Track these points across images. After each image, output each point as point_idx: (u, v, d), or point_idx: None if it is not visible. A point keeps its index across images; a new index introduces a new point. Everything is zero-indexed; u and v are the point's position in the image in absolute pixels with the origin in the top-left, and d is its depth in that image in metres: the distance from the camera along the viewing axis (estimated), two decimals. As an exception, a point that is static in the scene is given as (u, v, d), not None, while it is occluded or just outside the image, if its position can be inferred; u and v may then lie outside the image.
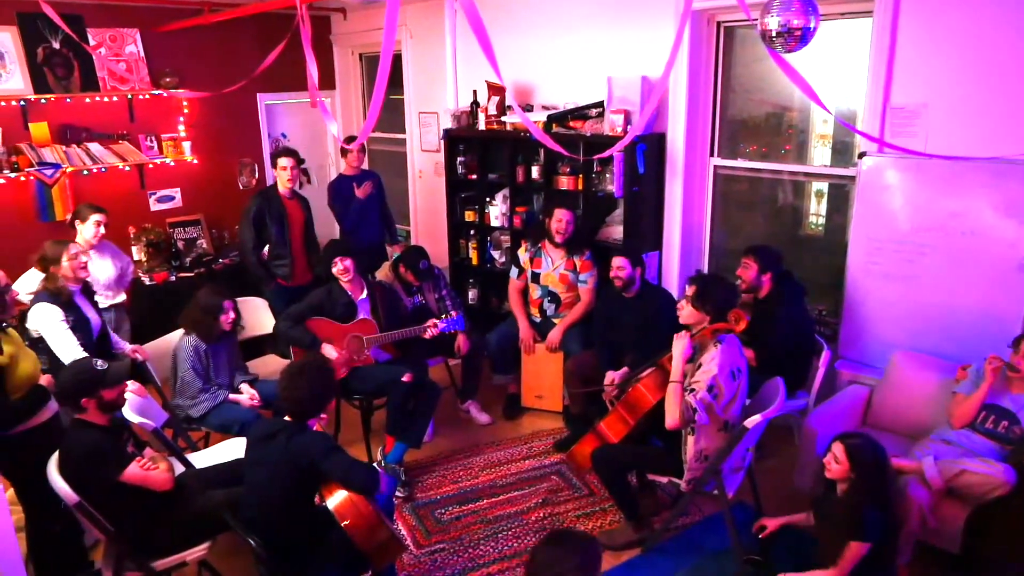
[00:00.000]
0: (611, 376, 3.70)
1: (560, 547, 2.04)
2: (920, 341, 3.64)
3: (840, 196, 4.21)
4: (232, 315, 3.70)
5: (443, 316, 4.06)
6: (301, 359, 3.04)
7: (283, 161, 4.61)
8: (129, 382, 3.21)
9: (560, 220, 4.28)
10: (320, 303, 3.91)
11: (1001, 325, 3.38)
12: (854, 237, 3.84)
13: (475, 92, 5.14)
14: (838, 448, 2.63)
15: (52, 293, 3.30)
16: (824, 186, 4.33)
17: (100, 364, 2.72)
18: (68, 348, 3.24)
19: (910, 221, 3.62)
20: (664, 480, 3.27)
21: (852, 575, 2.55)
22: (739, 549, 3.05)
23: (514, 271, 4.57)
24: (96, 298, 4.07)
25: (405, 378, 3.77)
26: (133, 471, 2.64)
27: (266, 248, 4.73)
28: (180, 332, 3.74)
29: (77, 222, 3.95)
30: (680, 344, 3.04)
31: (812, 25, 2.49)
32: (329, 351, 3.81)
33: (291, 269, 4.68)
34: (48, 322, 3.26)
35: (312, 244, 4.85)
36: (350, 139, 5.06)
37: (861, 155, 3.75)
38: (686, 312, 3.13)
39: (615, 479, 3.29)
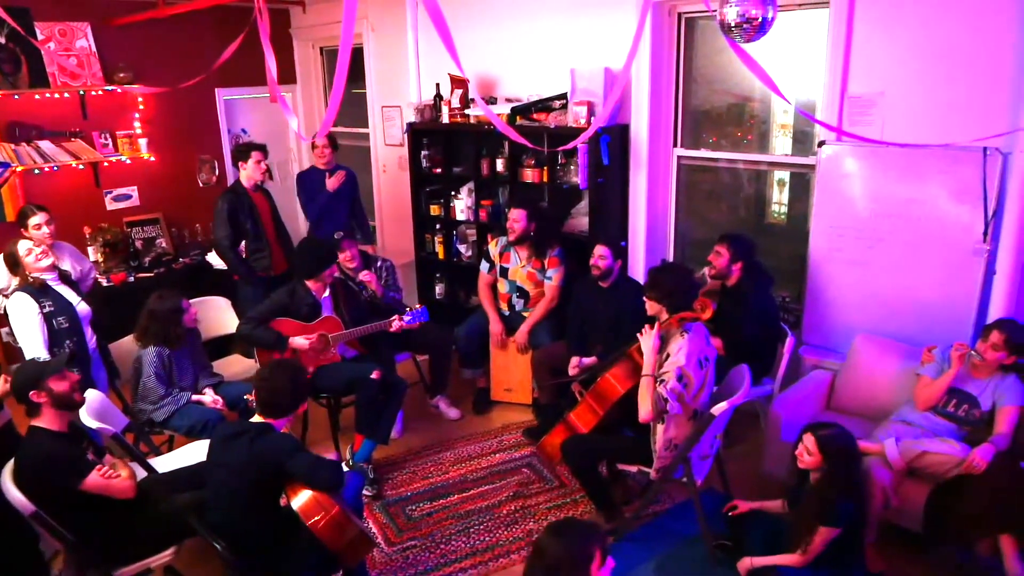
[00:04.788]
0: (576, 360, 3.72)
1: (557, 538, 1.98)
2: (880, 325, 3.71)
3: (802, 185, 4.27)
4: (194, 311, 3.64)
5: (408, 310, 4.03)
6: (279, 359, 2.99)
7: (256, 155, 4.53)
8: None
9: (514, 220, 4.26)
10: (284, 304, 3.83)
11: (957, 308, 3.47)
12: (815, 224, 3.89)
13: (438, 85, 5.09)
14: (809, 440, 2.67)
15: (27, 285, 3.50)
16: (786, 175, 4.39)
17: (40, 358, 2.75)
18: (33, 343, 3.40)
19: (869, 208, 3.69)
20: (634, 469, 3.29)
21: (820, 558, 2.60)
22: (709, 534, 3.10)
23: (484, 265, 4.55)
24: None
25: (374, 375, 3.73)
26: (94, 480, 2.57)
27: (242, 244, 4.65)
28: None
29: (28, 226, 3.88)
30: (648, 340, 3.06)
31: (770, 15, 2.51)
32: (299, 342, 3.77)
33: (270, 260, 4.62)
34: (19, 314, 3.43)
35: (284, 234, 4.81)
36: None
37: (820, 144, 3.80)
38: (647, 303, 3.17)
39: (585, 469, 3.31)
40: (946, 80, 3.38)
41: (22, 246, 3.51)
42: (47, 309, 3.45)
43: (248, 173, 4.53)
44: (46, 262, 3.53)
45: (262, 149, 4.59)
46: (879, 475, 2.96)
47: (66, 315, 3.50)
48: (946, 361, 3.16)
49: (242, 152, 4.57)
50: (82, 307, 3.63)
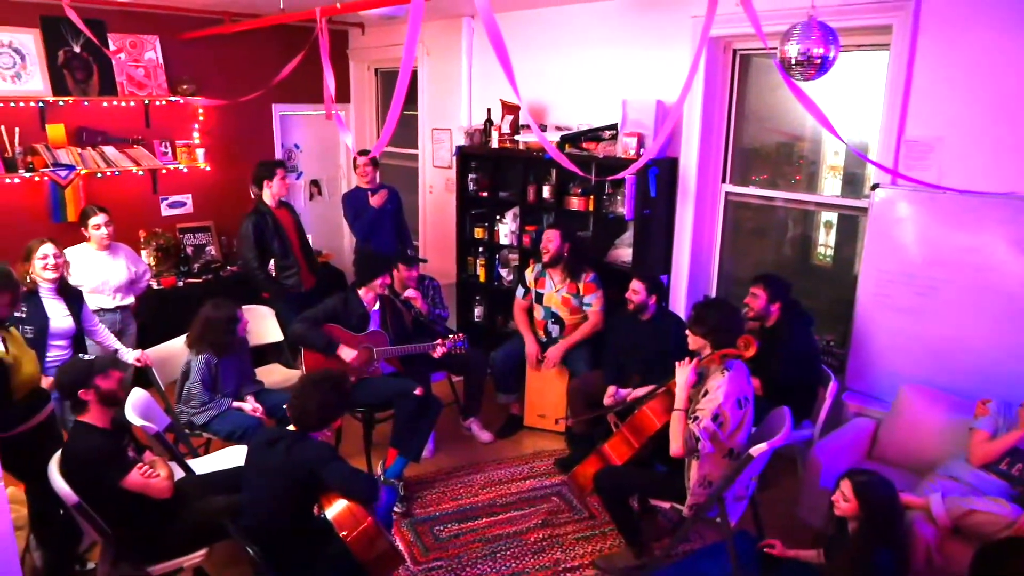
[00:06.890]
0: (612, 389, 3.69)
1: None
2: (929, 375, 3.60)
3: (849, 227, 4.20)
4: (247, 320, 3.72)
5: (449, 336, 4.05)
6: (323, 371, 3.02)
7: (280, 171, 4.54)
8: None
9: (548, 240, 4.29)
10: (335, 311, 3.91)
11: (1014, 363, 3.36)
12: (865, 268, 3.82)
13: (489, 110, 5.17)
14: (846, 486, 2.59)
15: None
16: (833, 217, 4.33)
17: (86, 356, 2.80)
18: None
19: (922, 255, 3.61)
20: (666, 505, 3.24)
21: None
22: (740, 579, 3.01)
23: (520, 290, 4.57)
24: (103, 299, 4.10)
25: (417, 391, 3.76)
26: (134, 478, 2.63)
27: (271, 263, 4.71)
28: (183, 340, 3.71)
29: (88, 225, 4.03)
30: (683, 373, 3.03)
31: (832, 55, 2.51)
32: (347, 353, 3.81)
33: (299, 277, 4.66)
34: None
35: (308, 247, 4.87)
36: (363, 152, 5.09)
37: (874, 187, 3.74)
38: (690, 338, 3.13)
39: (617, 502, 3.26)
40: (1008, 127, 3.31)
41: (43, 248, 3.39)
42: (17, 314, 3.22)
43: (274, 191, 4.53)
44: (49, 275, 3.39)
45: (283, 165, 4.64)
46: (923, 531, 2.86)
47: (34, 327, 3.30)
48: (1002, 415, 3.06)
49: (267, 169, 4.53)
50: (64, 323, 3.43)
